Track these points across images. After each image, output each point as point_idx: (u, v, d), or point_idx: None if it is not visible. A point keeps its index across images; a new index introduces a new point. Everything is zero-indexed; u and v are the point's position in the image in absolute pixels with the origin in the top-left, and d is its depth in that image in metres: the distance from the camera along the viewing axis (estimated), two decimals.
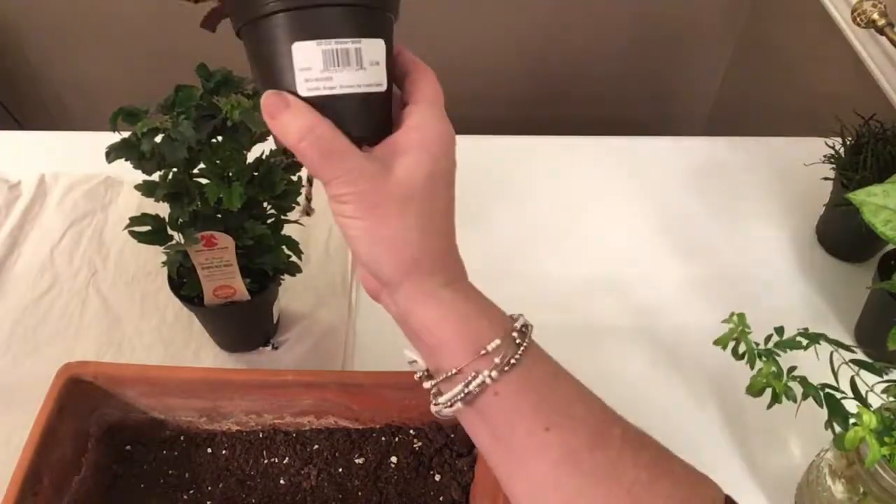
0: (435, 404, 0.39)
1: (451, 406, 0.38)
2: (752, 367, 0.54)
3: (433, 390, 0.39)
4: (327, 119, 0.36)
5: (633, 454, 0.37)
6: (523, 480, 0.37)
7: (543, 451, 0.36)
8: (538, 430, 0.36)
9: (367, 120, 0.38)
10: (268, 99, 0.36)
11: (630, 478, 0.36)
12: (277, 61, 0.37)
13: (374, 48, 0.37)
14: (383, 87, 0.38)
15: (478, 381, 0.37)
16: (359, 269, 0.41)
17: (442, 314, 0.38)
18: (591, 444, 0.36)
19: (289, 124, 0.36)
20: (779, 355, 0.54)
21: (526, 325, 0.39)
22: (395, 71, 0.41)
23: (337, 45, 0.36)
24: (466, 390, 0.37)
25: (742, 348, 0.55)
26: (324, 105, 0.37)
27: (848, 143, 0.80)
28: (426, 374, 0.41)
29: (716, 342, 0.56)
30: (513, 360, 0.37)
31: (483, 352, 0.37)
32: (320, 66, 0.36)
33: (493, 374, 0.36)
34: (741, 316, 0.56)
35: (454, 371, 0.37)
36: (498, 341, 0.37)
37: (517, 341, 0.38)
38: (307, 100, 0.36)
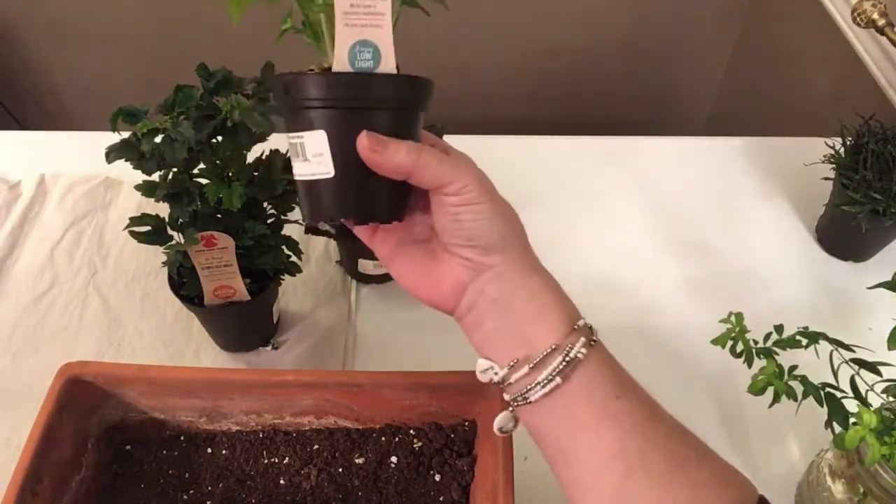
0: (529, 389, 0.40)
1: (549, 382, 0.40)
2: (749, 366, 0.54)
3: (526, 380, 0.40)
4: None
5: (681, 434, 0.41)
6: (593, 451, 0.39)
7: (617, 419, 0.39)
8: (612, 399, 0.40)
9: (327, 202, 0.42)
10: (363, 143, 0.40)
11: (681, 455, 0.39)
12: None
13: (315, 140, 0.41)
14: (330, 175, 0.41)
15: (574, 351, 0.40)
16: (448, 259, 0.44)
17: (545, 282, 0.43)
18: (651, 416, 0.41)
19: (396, 156, 0.40)
20: (776, 353, 0.54)
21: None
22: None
23: (289, 138, 0.42)
24: (568, 358, 0.39)
25: (740, 347, 0.55)
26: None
27: (848, 143, 0.80)
28: (504, 377, 0.42)
29: (713, 342, 0.56)
30: (594, 338, 0.41)
31: (575, 326, 0.41)
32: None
33: (584, 350, 0.40)
34: (738, 315, 0.56)
35: (552, 347, 0.40)
36: (584, 319, 0.42)
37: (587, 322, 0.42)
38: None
